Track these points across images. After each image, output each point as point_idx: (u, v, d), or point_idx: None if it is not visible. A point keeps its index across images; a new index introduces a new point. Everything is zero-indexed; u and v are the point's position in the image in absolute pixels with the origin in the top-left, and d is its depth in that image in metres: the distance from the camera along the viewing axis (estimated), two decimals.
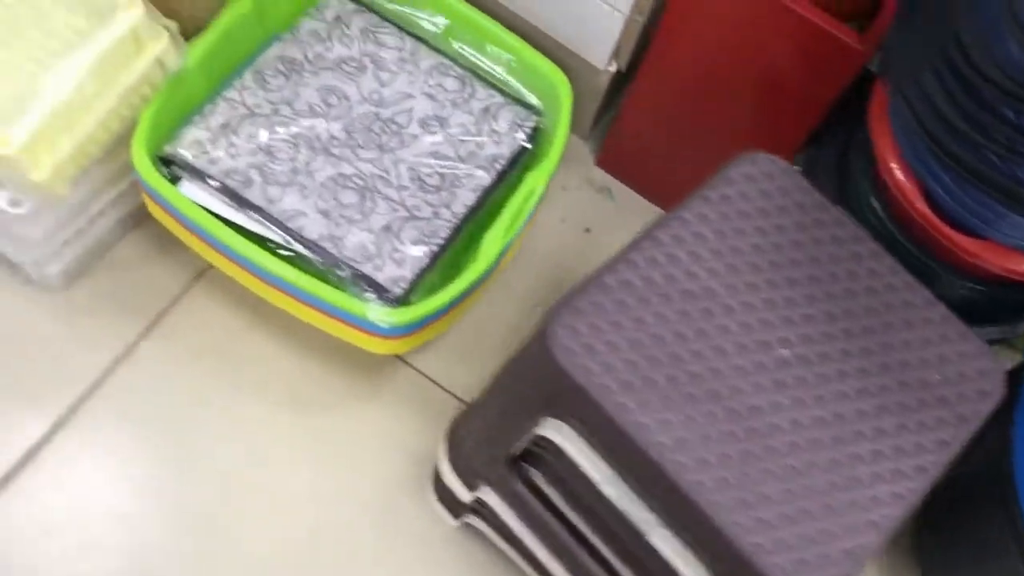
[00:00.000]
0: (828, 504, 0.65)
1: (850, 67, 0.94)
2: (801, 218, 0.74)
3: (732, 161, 0.76)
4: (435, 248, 0.96)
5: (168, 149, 0.95)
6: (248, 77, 1.01)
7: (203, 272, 1.11)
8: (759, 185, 0.74)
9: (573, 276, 1.23)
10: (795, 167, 0.78)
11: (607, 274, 0.69)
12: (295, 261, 0.94)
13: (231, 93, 0.99)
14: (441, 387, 1.12)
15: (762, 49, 0.98)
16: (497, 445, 0.80)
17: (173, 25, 0.92)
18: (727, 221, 0.73)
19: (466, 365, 1.13)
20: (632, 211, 1.27)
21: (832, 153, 1.03)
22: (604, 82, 1.17)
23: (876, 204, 0.95)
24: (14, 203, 0.90)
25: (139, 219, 1.08)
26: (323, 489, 1.04)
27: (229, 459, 1.03)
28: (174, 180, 0.94)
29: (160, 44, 0.91)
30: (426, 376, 1.12)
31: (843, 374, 0.69)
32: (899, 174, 0.89)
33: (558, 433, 0.71)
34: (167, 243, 1.09)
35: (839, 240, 0.74)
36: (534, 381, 0.71)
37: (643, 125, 1.17)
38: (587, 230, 1.25)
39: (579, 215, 1.25)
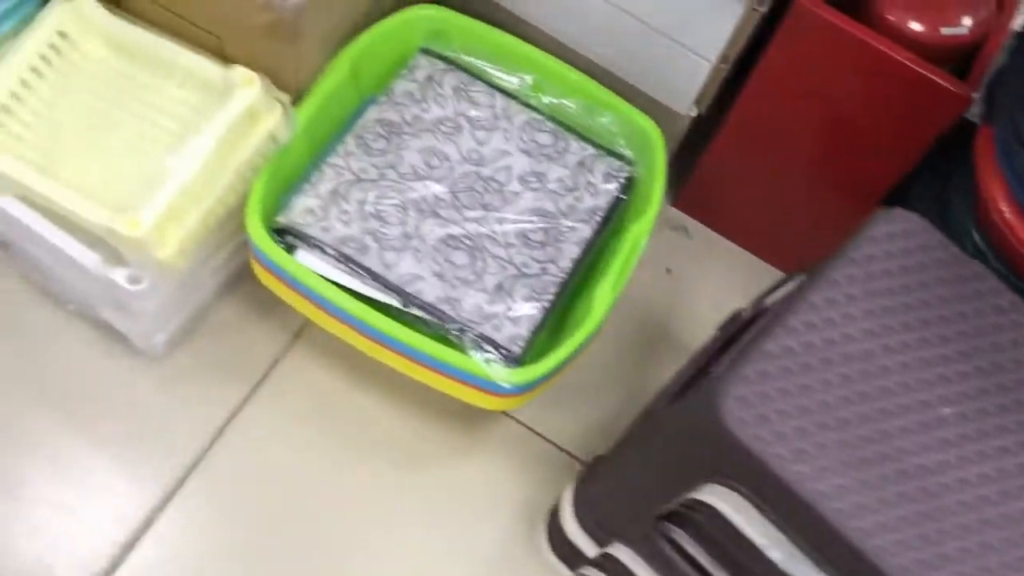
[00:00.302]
0: (1004, 562, 0.66)
1: (950, 112, 0.96)
2: (943, 274, 0.75)
3: (871, 219, 0.77)
4: (546, 305, 0.97)
5: (282, 220, 0.95)
6: (351, 142, 1.01)
7: (301, 331, 1.12)
8: (900, 243, 0.76)
9: (660, 317, 1.25)
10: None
11: (768, 341, 0.70)
12: (406, 320, 0.95)
13: (336, 159, 1.00)
14: (541, 436, 1.12)
15: (858, 95, 1.00)
16: (642, 506, 0.81)
17: (285, 97, 0.93)
18: (874, 281, 0.74)
19: (561, 412, 1.14)
20: (710, 250, 1.29)
21: (926, 196, 1.05)
22: (683, 126, 1.19)
23: (982, 245, 0.96)
24: (133, 280, 0.91)
25: (236, 281, 1.09)
26: (435, 545, 1.05)
27: (339, 519, 1.04)
28: (289, 249, 0.95)
29: (274, 118, 0.92)
30: (524, 425, 1.13)
31: (1002, 429, 0.71)
32: (1009, 215, 0.91)
33: (721, 500, 0.72)
34: (264, 303, 1.10)
35: (981, 294, 0.75)
36: (694, 448, 0.72)
37: (727, 167, 1.19)
38: (668, 270, 1.26)
39: (659, 255, 1.26)
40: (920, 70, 0.93)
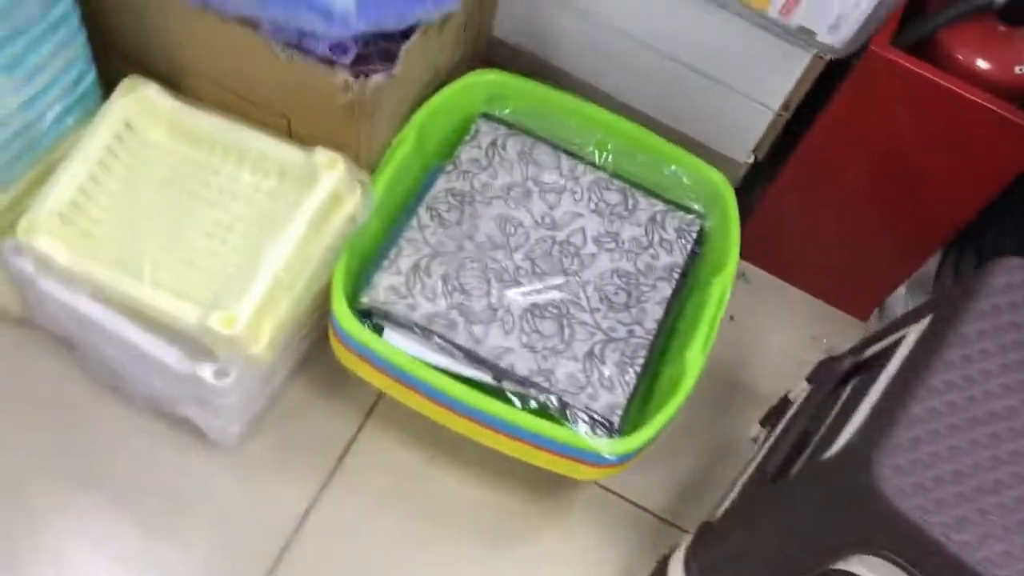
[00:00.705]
0: None
1: None
2: None
3: (987, 270, 0.76)
4: (638, 370, 0.96)
5: (366, 300, 0.93)
6: (424, 215, 0.99)
7: (373, 409, 1.09)
8: (1021, 293, 0.75)
9: (729, 367, 1.23)
10: None
11: (913, 403, 0.68)
12: (496, 394, 0.92)
13: (412, 233, 0.98)
14: (625, 499, 1.10)
15: (931, 137, 1.00)
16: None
17: (366, 177, 0.91)
18: (1005, 334, 0.72)
19: (642, 472, 1.12)
20: (772, 295, 1.27)
21: (1007, 237, 1.04)
22: (740, 173, 1.18)
23: None
24: (220, 375, 0.88)
25: (304, 362, 1.06)
26: None
27: None
28: (375, 329, 0.92)
29: (355, 198, 0.89)
30: (607, 489, 1.10)
31: None
32: None
33: (873, 571, 0.70)
34: (333, 382, 1.08)
35: None
36: (842, 518, 0.70)
37: (786, 211, 1.18)
38: (731, 318, 1.25)
39: None
40: (998, 110, 0.93)
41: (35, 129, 0.89)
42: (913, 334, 0.80)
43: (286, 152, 0.90)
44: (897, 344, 0.84)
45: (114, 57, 0.98)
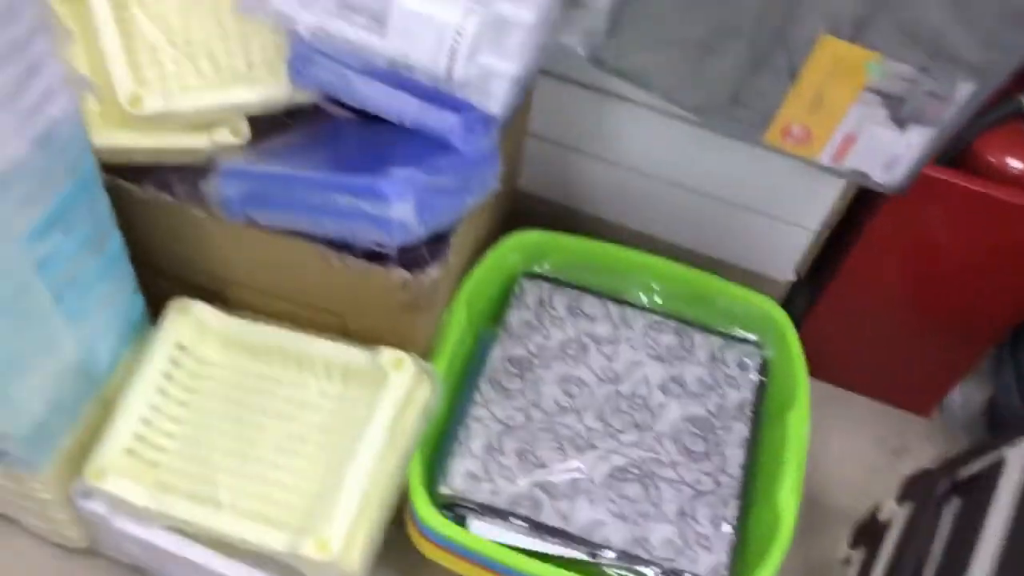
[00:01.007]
0: None
1: None
2: None
3: None
4: (733, 522, 0.93)
5: (447, 491, 0.91)
6: (486, 388, 0.98)
7: None
8: None
9: (805, 484, 1.21)
10: None
11: None
12: (593, 570, 0.89)
13: (478, 410, 0.96)
14: None
15: (975, 241, 1.00)
16: None
17: (431, 367, 0.89)
18: None
19: None
20: (828, 400, 1.25)
21: None
22: (782, 291, 1.18)
23: None
24: None
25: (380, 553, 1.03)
26: None
27: None
28: (459, 519, 0.90)
29: (425, 392, 0.88)
30: None
31: None
32: None
33: None
34: (411, 569, 1.04)
35: None
36: None
37: (835, 322, 1.17)
38: None
39: None
40: None
41: (92, 366, 0.87)
42: (1016, 462, 0.79)
43: (348, 354, 0.88)
44: (998, 469, 0.82)
45: (149, 272, 0.97)
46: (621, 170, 1.10)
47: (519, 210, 1.20)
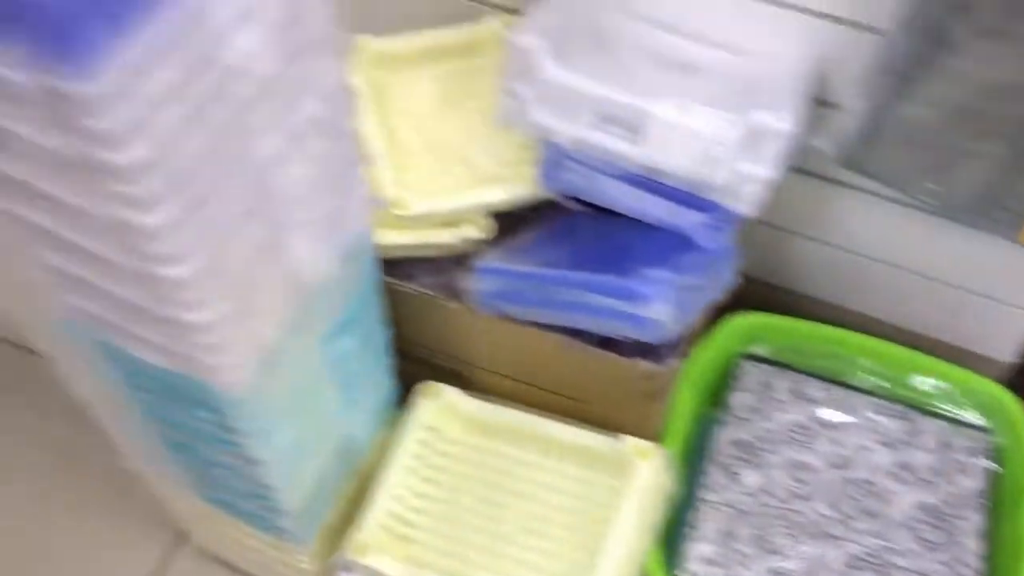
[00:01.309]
0: None
1: None
2: None
3: None
4: None
5: (683, 575, 0.93)
6: (715, 474, 1.00)
7: None
8: None
9: None
10: None
11: None
12: None
13: (709, 495, 0.98)
14: None
15: None
16: None
17: (670, 455, 0.92)
18: None
19: None
20: None
21: None
22: (1005, 372, 1.15)
23: None
24: None
25: None
26: None
27: None
28: None
29: (667, 479, 0.91)
30: None
31: None
32: None
33: None
34: None
35: None
36: None
37: None
38: None
39: None
40: None
41: (353, 446, 0.94)
42: None
43: (589, 439, 0.92)
44: None
45: (396, 356, 1.04)
46: (840, 252, 1.10)
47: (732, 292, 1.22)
